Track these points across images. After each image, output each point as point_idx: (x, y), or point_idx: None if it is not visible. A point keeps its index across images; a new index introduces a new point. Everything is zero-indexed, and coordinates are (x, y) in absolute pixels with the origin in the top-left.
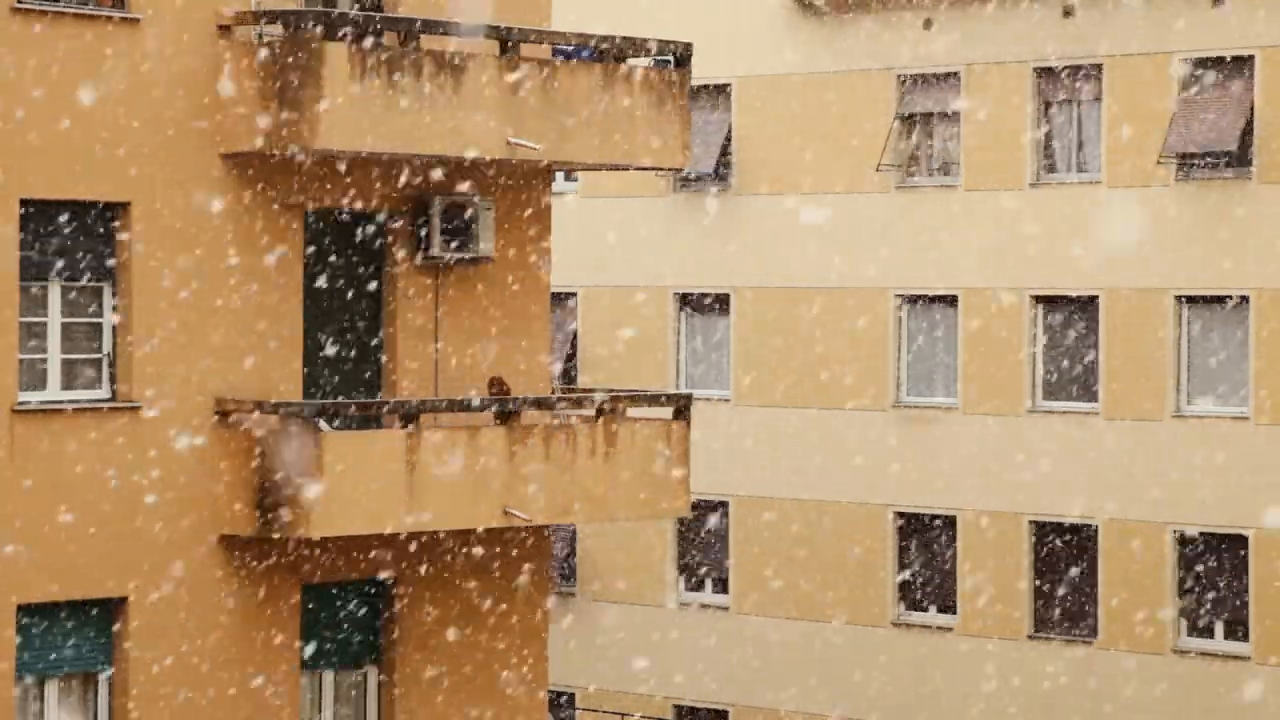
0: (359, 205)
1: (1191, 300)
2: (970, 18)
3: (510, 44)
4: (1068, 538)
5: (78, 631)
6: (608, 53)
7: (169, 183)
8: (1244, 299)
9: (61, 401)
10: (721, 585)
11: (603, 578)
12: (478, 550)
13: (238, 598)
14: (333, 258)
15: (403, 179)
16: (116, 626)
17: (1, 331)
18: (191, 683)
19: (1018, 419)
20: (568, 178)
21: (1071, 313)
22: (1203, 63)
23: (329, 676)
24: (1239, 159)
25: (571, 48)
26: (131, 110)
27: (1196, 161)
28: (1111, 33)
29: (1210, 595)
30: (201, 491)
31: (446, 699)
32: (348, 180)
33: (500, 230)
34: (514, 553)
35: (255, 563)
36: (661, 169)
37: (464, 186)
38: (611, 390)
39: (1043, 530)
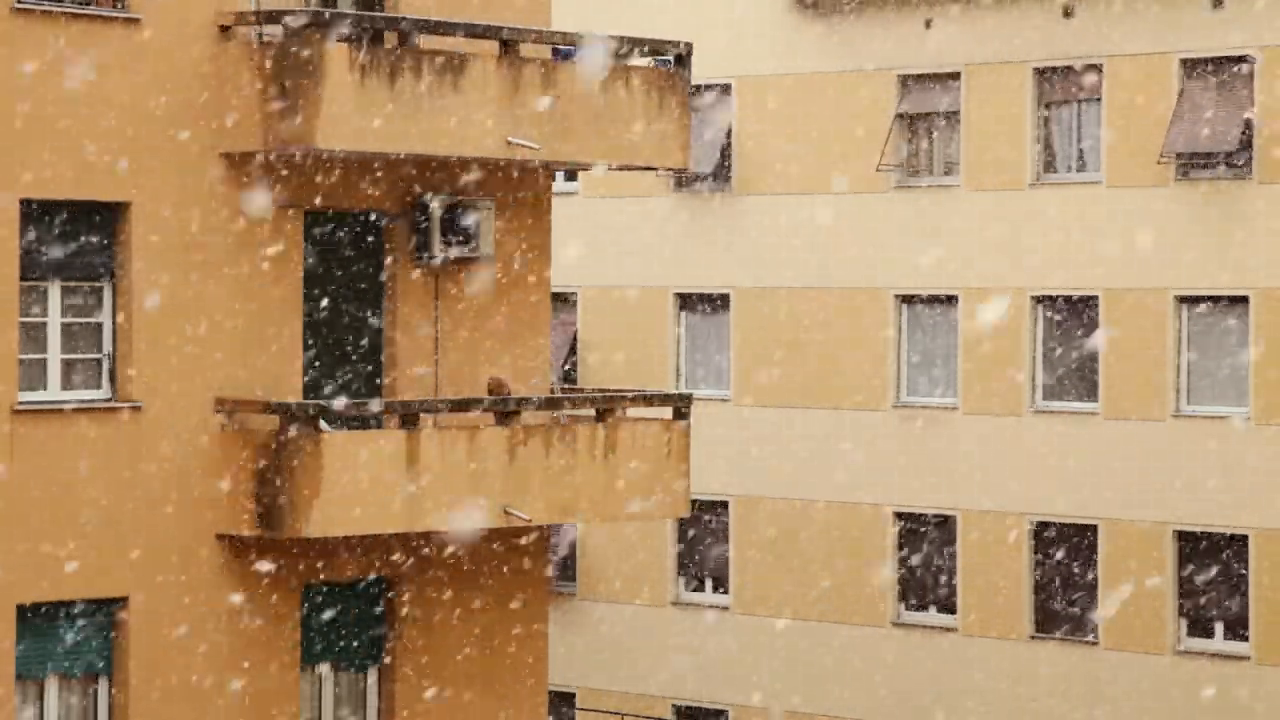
0: (359, 205)
1: (1191, 300)
2: (970, 18)
3: (510, 44)
4: (1068, 538)
5: (78, 631)
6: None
7: (169, 183)
8: (1244, 299)
9: (61, 401)
10: (721, 585)
11: (603, 578)
12: (478, 550)
13: (238, 597)
14: (332, 258)
15: (403, 179)
16: (116, 626)
17: (1, 331)
18: (191, 683)
19: (1018, 419)
20: (568, 178)
21: (1071, 313)
22: (1203, 63)
23: (329, 676)
24: (1239, 159)
25: (572, 48)
26: (132, 110)
27: (1196, 161)
28: (1111, 33)
29: (1210, 595)
30: (201, 491)
31: (446, 699)
32: (348, 180)
33: (500, 230)
34: (514, 553)
35: (255, 563)
36: (661, 169)
37: (464, 186)
38: (611, 390)
39: (1043, 530)
